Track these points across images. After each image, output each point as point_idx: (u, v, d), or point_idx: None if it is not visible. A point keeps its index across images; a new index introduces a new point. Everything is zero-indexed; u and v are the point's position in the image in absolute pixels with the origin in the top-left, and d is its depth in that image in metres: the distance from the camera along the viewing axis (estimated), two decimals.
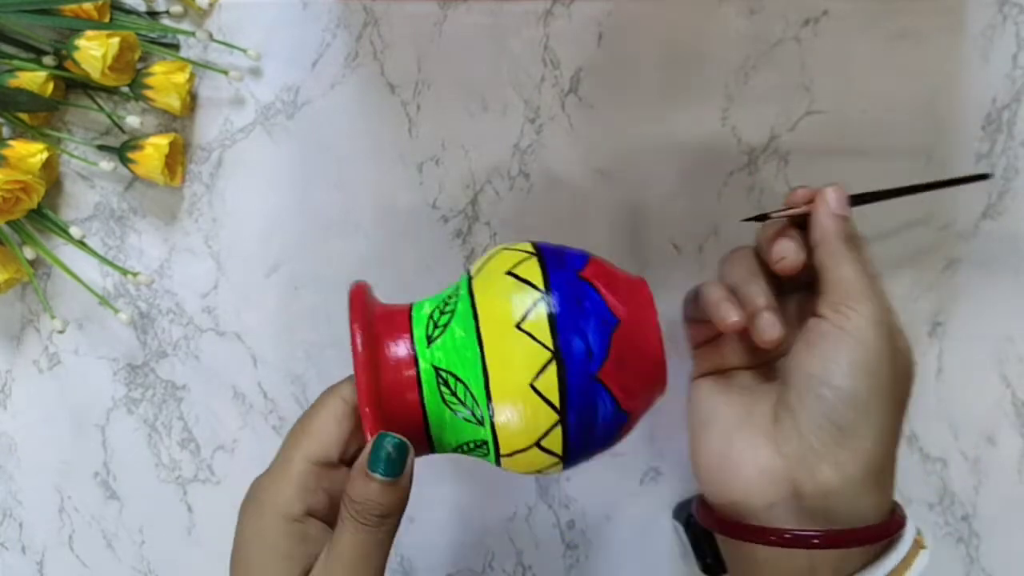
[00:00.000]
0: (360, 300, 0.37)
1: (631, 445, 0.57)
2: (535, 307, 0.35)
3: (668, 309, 0.56)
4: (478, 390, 0.35)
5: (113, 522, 0.59)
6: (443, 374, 0.36)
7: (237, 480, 0.58)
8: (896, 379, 0.38)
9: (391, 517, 0.35)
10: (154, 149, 0.53)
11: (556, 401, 0.35)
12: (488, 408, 0.35)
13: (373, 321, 0.37)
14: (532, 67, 0.55)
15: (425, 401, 0.36)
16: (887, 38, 0.54)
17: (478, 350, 0.35)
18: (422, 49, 0.55)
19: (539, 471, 0.38)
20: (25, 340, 0.58)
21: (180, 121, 0.56)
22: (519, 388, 0.35)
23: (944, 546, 0.57)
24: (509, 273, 0.37)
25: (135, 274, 0.55)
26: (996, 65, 0.54)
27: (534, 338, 0.35)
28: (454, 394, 0.36)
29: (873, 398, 0.37)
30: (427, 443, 0.37)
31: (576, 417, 0.35)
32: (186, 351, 0.58)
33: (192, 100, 0.56)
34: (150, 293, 0.57)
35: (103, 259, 0.56)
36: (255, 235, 0.57)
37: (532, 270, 0.37)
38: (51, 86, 0.53)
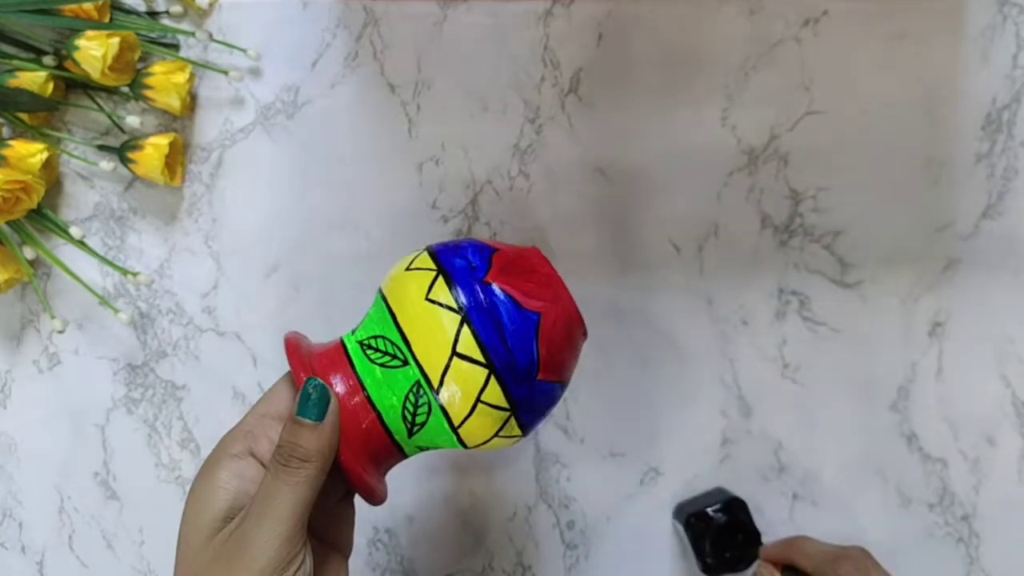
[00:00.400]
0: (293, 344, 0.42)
1: (631, 445, 0.57)
2: (461, 330, 0.38)
3: (669, 309, 0.57)
4: (392, 333, 0.39)
5: (113, 522, 0.59)
6: (365, 342, 0.40)
7: None
8: None
9: (311, 462, 0.36)
10: (154, 149, 0.53)
11: (452, 303, 0.38)
12: (403, 340, 0.38)
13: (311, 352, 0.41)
14: (532, 67, 0.55)
15: (356, 369, 0.39)
16: (887, 38, 0.54)
17: (386, 309, 0.40)
18: (422, 49, 0.55)
19: (483, 401, 0.38)
20: (25, 340, 0.58)
21: (180, 121, 0.56)
22: (417, 306, 0.39)
23: (944, 546, 0.57)
24: (429, 301, 0.40)
25: (135, 274, 0.55)
26: (996, 65, 0.54)
27: (421, 269, 0.40)
28: (376, 349, 0.39)
29: None
30: (376, 416, 0.39)
31: (477, 314, 0.38)
32: (186, 351, 0.58)
33: (192, 100, 0.56)
34: (150, 293, 0.57)
35: (103, 259, 0.56)
36: (255, 235, 0.57)
37: (444, 294, 0.40)
38: (51, 86, 0.53)
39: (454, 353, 0.38)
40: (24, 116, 0.54)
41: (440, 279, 0.39)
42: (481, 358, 0.38)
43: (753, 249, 0.56)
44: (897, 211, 0.55)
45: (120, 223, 0.57)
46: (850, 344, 0.56)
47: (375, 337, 0.40)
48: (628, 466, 0.57)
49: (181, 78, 0.53)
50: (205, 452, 0.59)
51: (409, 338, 0.38)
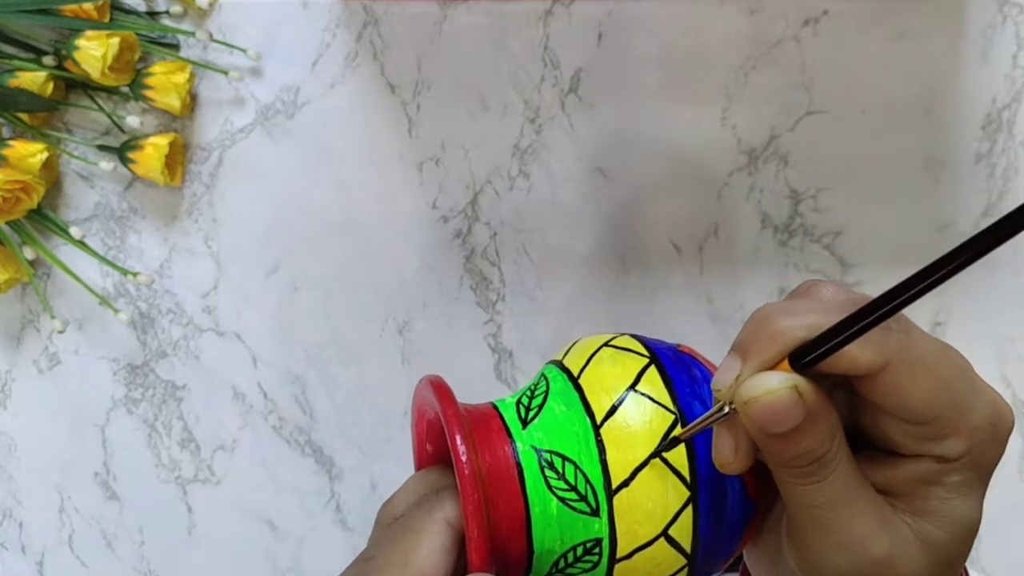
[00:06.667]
0: (451, 403, 0.31)
1: None
2: (645, 370, 0.30)
3: (669, 309, 0.57)
4: (591, 467, 0.30)
5: (113, 522, 0.59)
6: (547, 455, 0.30)
7: (237, 480, 0.58)
8: None
9: None
10: (154, 149, 0.53)
11: (685, 471, 0.29)
12: (606, 490, 0.29)
13: (471, 428, 0.31)
14: (532, 67, 0.55)
15: (527, 488, 0.30)
16: (887, 38, 0.54)
17: (587, 420, 0.30)
18: (422, 49, 0.55)
19: None
20: (25, 340, 0.58)
21: (180, 121, 0.56)
22: (639, 452, 0.29)
23: None
24: (606, 345, 0.32)
25: (135, 274, 0.55)
26: (996, 65, 0.54)
27: (653, 399, 0.30)
28: (562, 477, 0.30)
29: None
30: (526, 552, 0.31)
31: (707, 495, 0.29)
32: (186, 351, 0.58)
33: (192, 100, 0.56)
34: (150, 293, 0.57)
35: (103, 259, 0.56)
36: (255, 235, 0.57)
37: (630, 342, 0.32)
38: (51, 86, 0.53)
39: (664, 534, 0.29)
40: (24, 116, 0.54)
41: (676, 427, 0.29)
42: (688, 549, 0.30)
43: (753, 249, 0.56)
44: (897, 211, 0.55)
45: (120, 223, 0.57)
46: None
47: (565, 459, 0.30)
48: None
49: (181, 78, 0.53)
50: (205, 452, 0.59)
51: (616, 490, 0.29)
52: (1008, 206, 0.55)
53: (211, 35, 0.54)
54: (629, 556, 0.30)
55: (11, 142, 0.52)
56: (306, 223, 0.56)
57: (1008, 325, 0.56)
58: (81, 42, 0.50)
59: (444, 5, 0.54)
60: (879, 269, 0.56)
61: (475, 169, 0.56)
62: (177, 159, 0.55)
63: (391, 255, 0.57)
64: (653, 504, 0.29)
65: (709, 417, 0.27)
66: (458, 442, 0.29)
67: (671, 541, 0.29)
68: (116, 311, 0.56)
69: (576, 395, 0.31)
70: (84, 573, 0.60)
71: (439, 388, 0.31)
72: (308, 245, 0.57)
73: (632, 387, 0.30)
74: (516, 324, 0.57)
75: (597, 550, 0.30)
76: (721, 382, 0.26)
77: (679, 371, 0.31)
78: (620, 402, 0.30)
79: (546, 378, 0.33)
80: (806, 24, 0.54)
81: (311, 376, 0.58)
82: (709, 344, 0.56)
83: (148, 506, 0.59)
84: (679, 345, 0.34)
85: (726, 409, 0.26)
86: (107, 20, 0.53)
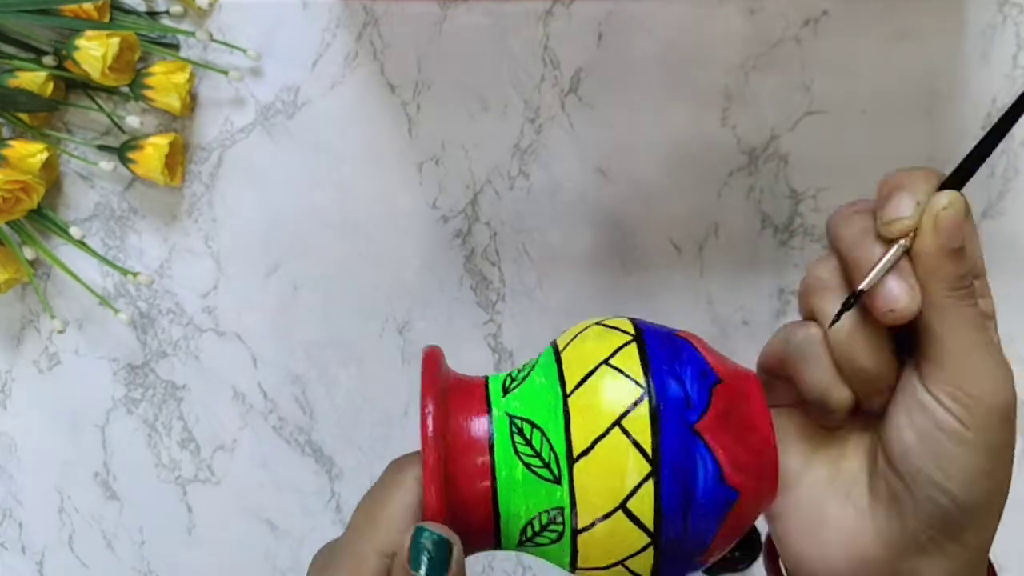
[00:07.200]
0: (430, 368, 0.33)
1: None
2: (625, 346, 0.31)
3: (669, 309, 0.57)
4: (556, 436, 0.30)
5: (113, 522, 0.59)
6: (518, 422, 0.31)
7: (237, 480, 0.58)
8: (1010, 468, 0.32)
9: None
10: (154, 149, 0.53)
11: (648, 447, 0.29)
12: (567, 457, 0.30)
13: (448, 392, 0.32)
14: (532, 67, 0.55)
15: (495, 451, 0.31)
16: (887, 38, 0.54)
17: (559, 390, 0.31)
18: (422, 49, 0.55)
19: (624, 565, 0.31)
20: (25, 340, 0.58)
21: (180, 121, 0.56)
22: (601, 423, 0.30)
23: None
24: (598, 323, 0.34)
25: (135, 274, 0.55)
26: (996, 65, 0.54)
27: (623, 373, 0.30)
28: (529, 443, 0.31)
29: (993, 499, 0.32)
30: (492, 516, 0.32)
31: (670, 472, 0.29)
32: (186, 351, 0.58)
33: (192, 100, 0.56)
34: (150, 293, 0.57)
35: (103, 259, 0.56)
36: (255, 235, 0.57)
37: (622, 322, 0.33)
38: (51, 86, 0.53)
39: (622, 507, 0.29)
40: (24, 116, 0.54)
41: (645, 404, 0.30)
42: (650, 526, 0.30)
43: (753, 249, 0.56)
44: None
45: (120, 223, 0.57)
46: None
47: (533, 426, 0.31)
48: None
49: (181, 78, 0.53)
50: (205, 452, 0.59)
51: (576, 458, 0.30)
52: (1008, 206, 0.55)
53: (211, 35, 0.54)
54: (590, 527, 0.30)
55: (11, 142, 0.52)
56: (306, 223, 0.56)
57: (1008, 325, 0.56)
58: (81, 42, 0.50)
59: (444, 5, 0.54)
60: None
61: (475, 169, 0.56)
62: (177, 159, 0.55)
63: (391, 255, 0.57)
64: (612, 475, 0.29)
65: (890, 255, 0.30)
66: (427, 400, 0.30)
67: (630, 515, 0.29)
68: (116, 311, 0.56)
69: (555, 367, 0.32)
70: (84, 573, 0.60)
71: (426, 356, 0.33)
72: (308, 245, 0.57)
73: (606, 360, 0.31)
74: (516, 324, 0.57)
75: (560, 519, 0.30)
76: (901, 209, 0.30)
77: (663, 349, 0.31)
78: (591, 374, 0.31)
79: (539, 355, 0.34)
80: (806, 24, 0.54)
81: (311, 376, 0.58)
82: (709, 343, 0.57)
83: (148, 506, 0.59)
84: (678, 331, 0.34)
85: (903, 242, 0.30)
86: (107, 20, 0.53)
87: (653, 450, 0.29)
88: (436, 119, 0.55)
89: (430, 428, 0.30)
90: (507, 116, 0.55)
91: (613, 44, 0.54)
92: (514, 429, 0.31)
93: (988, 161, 0.57)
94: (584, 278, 0.56)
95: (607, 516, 0.30)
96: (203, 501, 0.59)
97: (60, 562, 0.60)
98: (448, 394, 0.32)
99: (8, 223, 0.54)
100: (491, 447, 0.31)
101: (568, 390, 0.31)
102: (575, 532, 0.30)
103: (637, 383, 0.30)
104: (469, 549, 0.32)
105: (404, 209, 0.56)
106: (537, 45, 0.55)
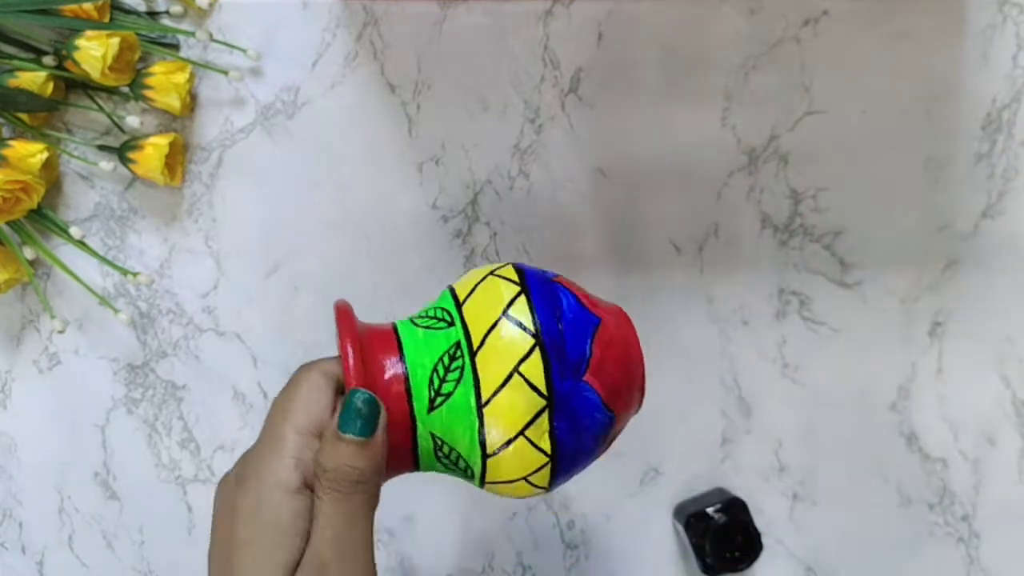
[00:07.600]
0: (346, 313, 0.39)
1: (631, 445, 0.57)
2: (517, 298, 0.36)
3: (669, 309, 0.57)
4: (447, 302, 0.38)
5: (113, 522, 0.59)
6: (418, 316, 0.38)
7: None
8: None
9: (366, 483, 0.32)
10: (154, 149, 0.53)
11: (515, 278, 0.36)
12: (455, 304, 0.37)
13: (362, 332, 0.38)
14: (532, 67, 0.55)
15: (401, 339, 0.37)
16: (887, 38, 0.54)
17: (449, 291, 0.38)
18: (422, 49, 0.55)
19: (520, 372, 0.35)
20: (25, 340, 0.58)
21: (180, 121, 0.56)
22: (478, 278, 0.37)
23: (944, 546, 0.57)
24: (491, 274, 0.39)
25: (135, 274, 0.55)
26: (996, 65, 0.54)
27: (501, 276, 0.37)
28: (426, 316, 0.38)
29: None
30: (407, 403, 0.35)
31: (538, 289, 0.36)
32: (186, 351, 0.58)
33: (192, 100, 0.56)
34: (150, 293, 0.57)
35: (103, 259, 0.56)
36: (255, 235, 0.57)
37: (509, 271, 0.38)
38: (51, 86, 0.53)
39: (504, 315, 0.35)
40: (24, 116, 0.54)
41: (510, 266, 0.38)
42: (531, 327, 0.35)
43: (753, 249, 0.56)
44: (897, 211, 0.55)
45: (120, 223, 0.57)
46: (850, 344, 0.56)
47: (429, 309, 0.38)
48: (628, 466, 0.57)
49: (181, 78, 0.53)
50: (205, 452, 0.59)
51: (461, 300, 0.37)
52: (1008, 206, 0.55)
53: (211, 35, 0.54)
54: (483, 343, 0.35)
55: (11, 142, 0.52)
56: (306, 223, 0.56)
57: (1008, 325, 0.56)
58: (81, 42, 0.50)
59: (444, 5, 0.54)
60: (879, 269, 0.56)
61: (475, 169, 0.56)
62: (177, 159, 0.55)
63: (391, 255, 0.57)
64: (492, 298, 0.36)
65: None
66: (341, 302, 0.38)
67: (512, 319, 0.35)
68: (116, 311, 0.56)
69: (455, 309, 0.37)
70: (84, 573, 0.60)
71: (339, 307, 0.39)
72: (308, 245, 0.57)
73: (504, 312, 0.36)
74: None
75: (459, 354, 0.35)
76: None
77: (545, 298, 0.37)
78: (495, 325, 0.36)
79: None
80: (806, 24, 0.54)
81: None
82: (709, 344, 0.57)
83: (148, 506, 0.59)
84: (556, 275, 0.40)
85: None
86: (107, 20, 0.53)
87: (519, 280, 0.37)
88: (436, 119, 0.55)
89: (347, 324, 0.37)
90: (507, 116, 0.55)
91: (613, 44, 0.54)
92: (415, 320, 0.38)
93: (988, 161, 0.57)
94: (584, 278, 0.56)
95: (493, 326, 0.35)
96: (203, 501, 0.59)
97: (60, 562, 0.60)
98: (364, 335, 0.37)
99: (8, 223, 0.54)
100: (399, 343, 0.36)
101: (455, 287, 0.38)
102: (473, 355, 0.35)
103: (508, 280, 0.37)
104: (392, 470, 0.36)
105: (404, 209, 0.56)
106: (537, 45, 0.55)
